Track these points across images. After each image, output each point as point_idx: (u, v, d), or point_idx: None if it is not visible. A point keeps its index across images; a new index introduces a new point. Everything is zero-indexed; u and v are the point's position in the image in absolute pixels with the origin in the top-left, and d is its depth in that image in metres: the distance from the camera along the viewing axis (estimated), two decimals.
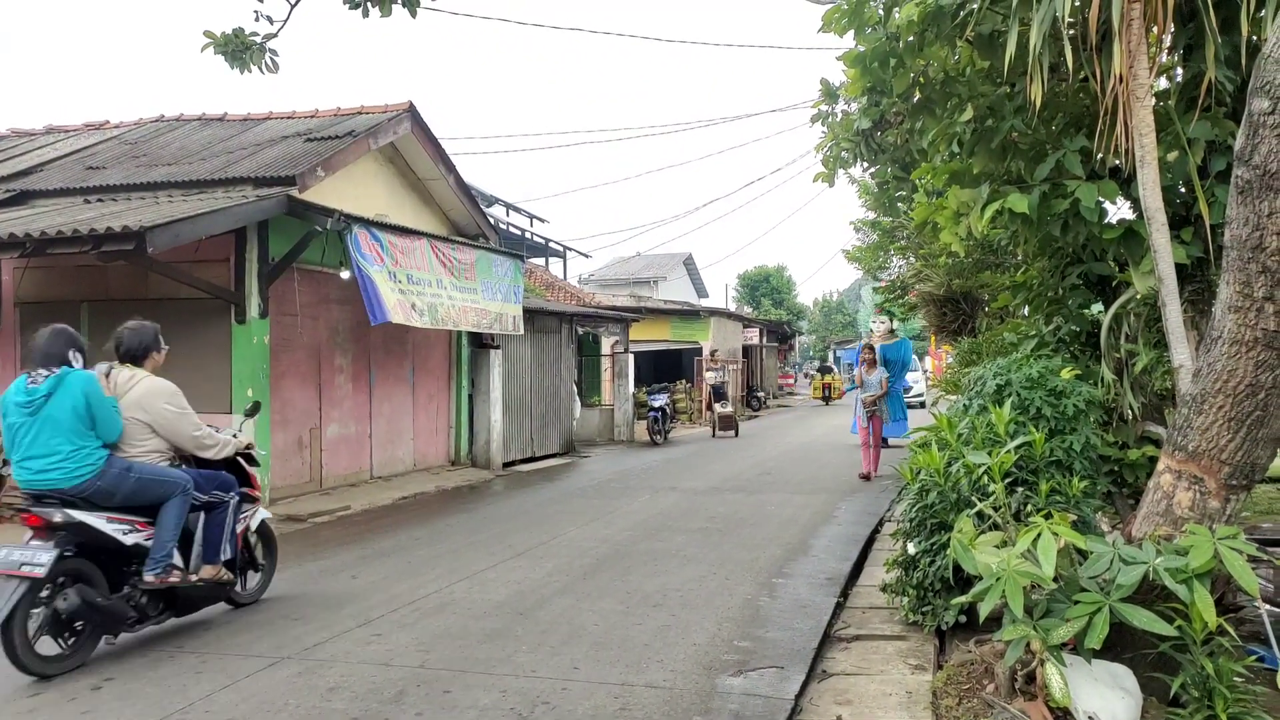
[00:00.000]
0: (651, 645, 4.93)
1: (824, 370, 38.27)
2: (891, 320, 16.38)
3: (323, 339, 11.11)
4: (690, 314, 28.48)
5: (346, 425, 11.53)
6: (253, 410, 6.36)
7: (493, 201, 27.71)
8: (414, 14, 6.01)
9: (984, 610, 3.40)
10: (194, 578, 5.16)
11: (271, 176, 10.05)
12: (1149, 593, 3.39)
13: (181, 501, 5.06)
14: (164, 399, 5.17)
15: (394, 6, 5.90)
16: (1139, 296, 4.66)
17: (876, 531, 8.37)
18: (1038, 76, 4.13)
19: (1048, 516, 3.49)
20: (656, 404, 18.59)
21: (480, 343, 14.09)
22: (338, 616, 5.58)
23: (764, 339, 35.72)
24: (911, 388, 27.02)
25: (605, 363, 21.55)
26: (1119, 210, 5.23)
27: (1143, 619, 3.18)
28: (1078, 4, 4.27)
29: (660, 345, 27.18)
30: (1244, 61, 4.17)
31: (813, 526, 8.58)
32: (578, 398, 17.72)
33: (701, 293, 51.99)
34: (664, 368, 28.75)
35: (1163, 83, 4.92)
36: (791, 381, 44.84)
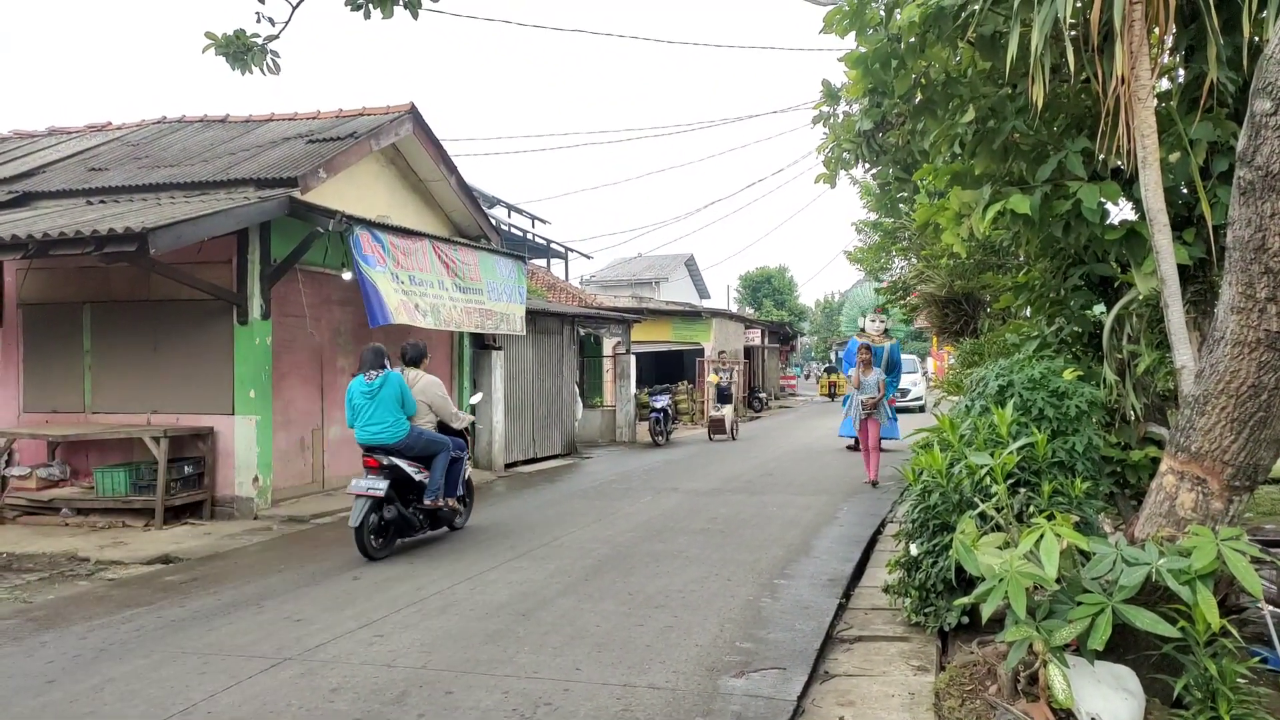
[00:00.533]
0: (653, 646, 4.93)
1: (830, 370, 40.60)
2: (889, 320, 16.08)
3: (325, 340, 11.13)
4: (692, 315, 28.48)
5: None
6: (477, 398, 10.24)
7: (494, 203, 27.72)
8: (415, 15, 6.01)
9: (986, 611, 3.40)
10: (443, 504, 7.87)
11: (273, 178, 10.07)
12: (1152, 594, 3.39)
13: (446, 455, 7.83)
14: (437, 389, 8.04)
15: (395, 8, 5.91)
16: (1141, 297, 4.66)
17: (878, 533, 8.36)
18: (1039, 78, 4.13)
19: (1050, 518, 3.49)
20: (658, 405, 18.58)
21: (482, 344, 14.10)
22: (340, 618, 5.58)
23: (766, 340, 35.72)
24: (910, 390, 26.60)
25: (607, 364, 21.54)
26: (1121, 211, 5.23)
27: (1145, 620, 3.18)
28: (1079, 5, 4.27)
29: (662, 346, 27.18)
30: (1246, 62, 4.17)
31: (815, 528, 8.58)
32: (579, 399, 17.71)
33: (703, 294, 51.99)
34: (666, 369, 28.75)
35: (1165, 84, 4.92)
36: (794, 382, 44.94)
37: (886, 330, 16.14)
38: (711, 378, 20.86)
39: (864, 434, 11.74)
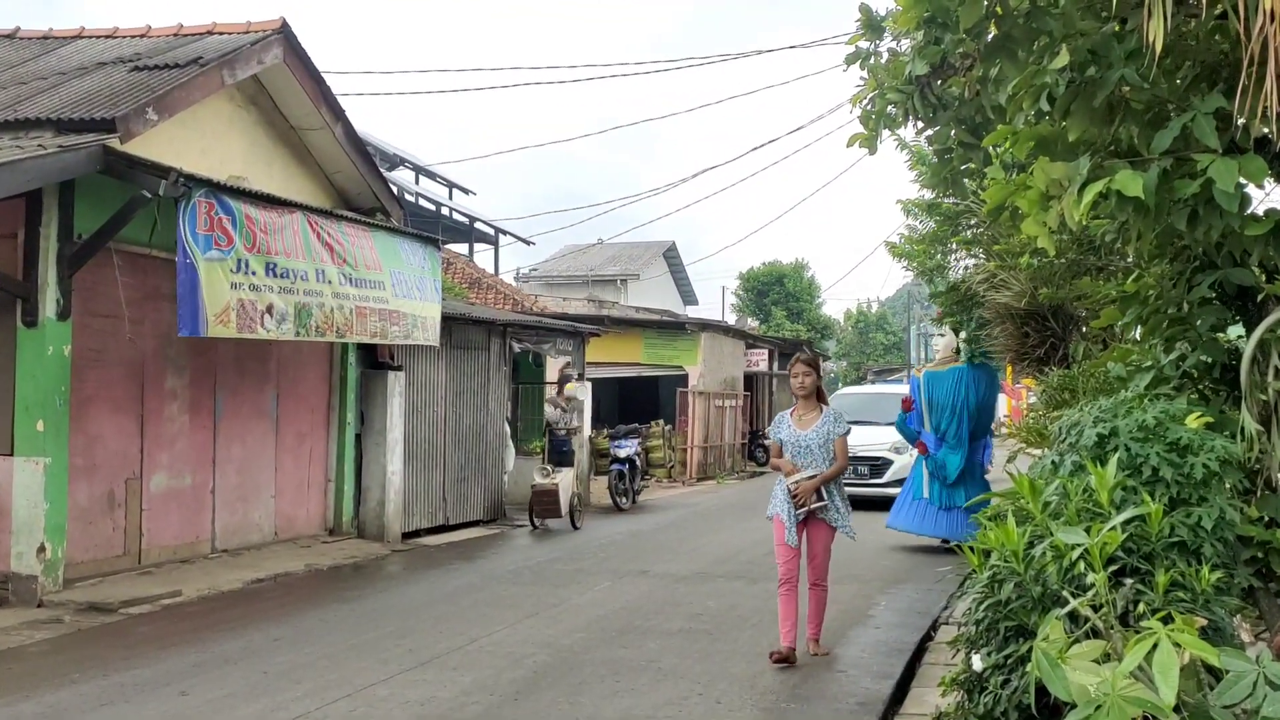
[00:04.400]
0: None
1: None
2: (958, 335, 15.17)
3: (149, 351, 11.02)
4: (672, 327, 28.59)
5: (179, 475, 11.41)
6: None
7: (398, 163, 27.77)
8: None
9: None
10: None
11: (81, 119, 10.00)
12: None
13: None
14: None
15: None
16: None
17: (928, 638, 8.45)
18: (1158, 10, 4.21)
19: (1166, 620, 3.52)
20: (622, 454, 18.60)
21: (375, 362, 14.03)
22: None
23: (775, 364, 35.91)
24: (888, 460, 18.99)
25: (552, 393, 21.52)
26: (1268, 197, 5.34)
27: None
28: None
29: (629, 370, 27.22)
30: None
31: (840, 630, 8.61)
32: (511, 443, 17.67)
33: (689, 298, 52.30)
34: (634, 402, 28.79)
35: None
36: None
37: (958, 350, 15.14)
38: (552, 412, 18.03)
39: (790, 558, 7.72)
